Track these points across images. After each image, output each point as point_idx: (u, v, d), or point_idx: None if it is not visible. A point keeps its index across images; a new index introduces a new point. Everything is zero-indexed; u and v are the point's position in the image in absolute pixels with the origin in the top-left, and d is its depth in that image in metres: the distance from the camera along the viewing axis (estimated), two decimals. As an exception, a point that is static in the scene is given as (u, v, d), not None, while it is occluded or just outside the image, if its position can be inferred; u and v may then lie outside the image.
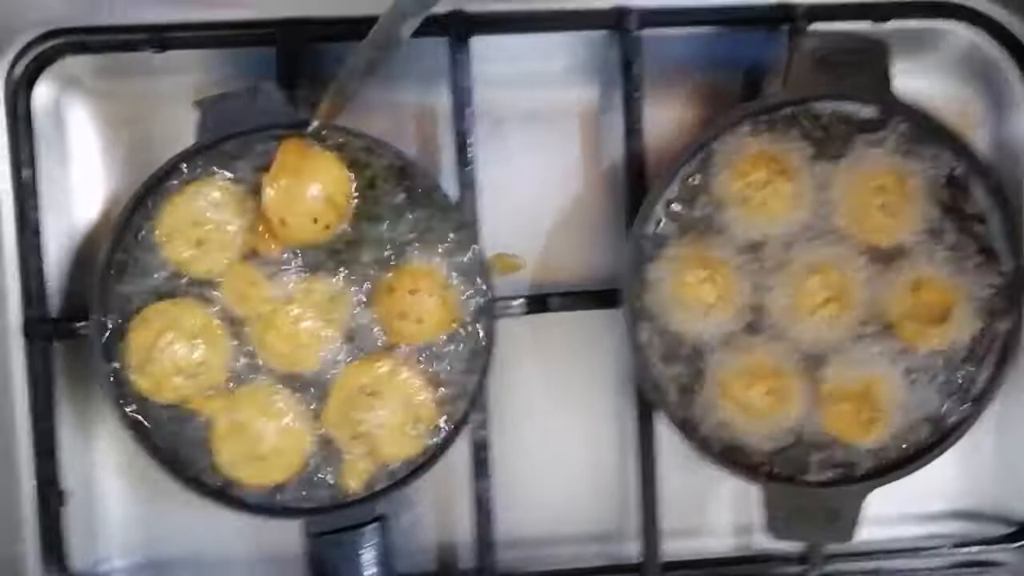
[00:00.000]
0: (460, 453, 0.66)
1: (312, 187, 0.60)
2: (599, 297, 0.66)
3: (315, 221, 0.60)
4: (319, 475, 0.62)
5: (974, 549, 0.70)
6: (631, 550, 0.69)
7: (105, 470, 0.69)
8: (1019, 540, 0.70)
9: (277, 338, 0.61)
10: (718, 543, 0.71)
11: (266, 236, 0.60)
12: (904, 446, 0.63)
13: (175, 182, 0.61)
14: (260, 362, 0.62)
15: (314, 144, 0.61)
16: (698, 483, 0.70)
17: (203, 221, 0.60)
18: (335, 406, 0.62)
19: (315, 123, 0.60)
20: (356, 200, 0.61)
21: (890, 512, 0.70)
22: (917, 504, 0.71)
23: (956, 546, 0.70)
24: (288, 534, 0.66)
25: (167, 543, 0.70)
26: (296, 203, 0.60)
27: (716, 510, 0.71)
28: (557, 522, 0.71)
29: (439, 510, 0.70)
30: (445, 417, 0.62)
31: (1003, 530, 0.71)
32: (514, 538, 0.70)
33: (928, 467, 0.67)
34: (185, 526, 0.70)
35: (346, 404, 0.62)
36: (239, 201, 0.61)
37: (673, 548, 0.69)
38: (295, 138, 0.60)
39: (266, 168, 0.60)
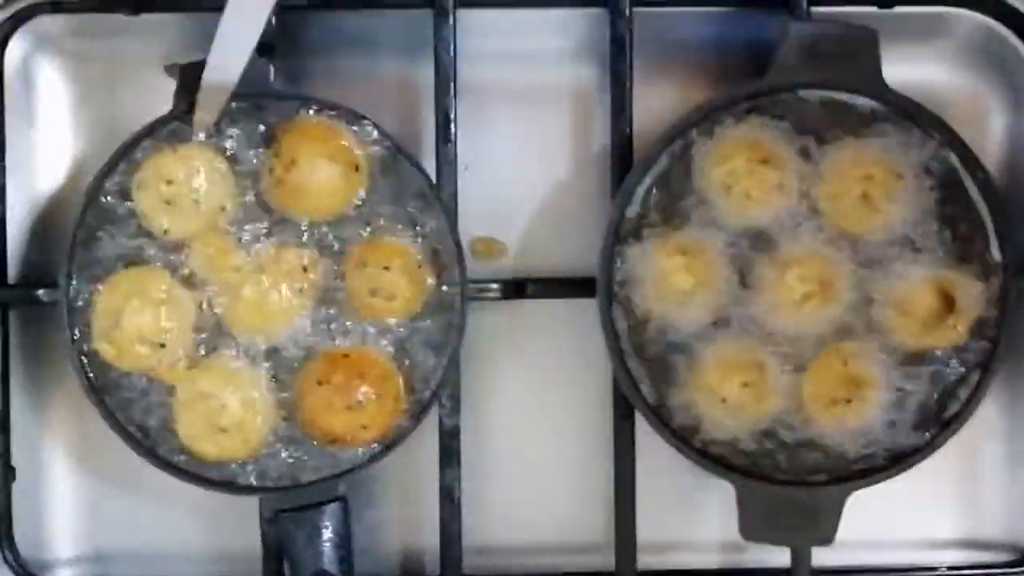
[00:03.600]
0: (427, 450, 0.86)
1: (330, 164, 0.82)
2: (580, 285, 0.86)
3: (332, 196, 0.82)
4: (281, 452, 0.83)
5: (975, 573, 0.90)
6: (610, 560, 0.87)
7: (55, 450, 0.90)
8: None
9: (245, 307, 0.82)
10: (703, 558, 0.91)
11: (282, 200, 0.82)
12: (889, 450, 0.83)
13: (152, 146, 0.82)
14: (226, 332, 0.82)
15: (329, 121, 0.82)
16: (685, 492, 0.90)
17: (178, 183, 0.81)
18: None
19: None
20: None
21: (891, 537, 0.91)
22: (919, 530, 0.91)
23: (953, 569, 0.89)
24: (244, 525, 0.86)
25: (116, 532, 0.90)
26: (316, 178, 0.82)
27: (703, 522, 0.91)
28: (529, 526, 0.90)
29: (405, 511, 0.90)
30: (411, 401, 0.83)
31: (1009, 558, 0.91)
32: (483, 543, 0.89)
33: (932, 492, 0.90)
34: (136, 515, 0.90)
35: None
36: (219, 172, 0.82)
37: (655, 561, 0.89)
38: (314, 116, 0.82)
39: (263, 142, 0.82)
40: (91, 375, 0.83)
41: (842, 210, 0.83)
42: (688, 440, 0.83)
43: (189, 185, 0.82)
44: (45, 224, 0.89)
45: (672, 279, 0.83)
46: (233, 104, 0.82)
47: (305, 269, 0.83)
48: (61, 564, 0.91)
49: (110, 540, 0.91)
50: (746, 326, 0.83)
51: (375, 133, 0.83)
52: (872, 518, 0.88)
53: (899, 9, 0.87)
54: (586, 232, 0.89)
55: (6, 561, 0.87)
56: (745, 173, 0.82)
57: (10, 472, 0.87)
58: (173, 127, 0.83)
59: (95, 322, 0.82)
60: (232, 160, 0.83)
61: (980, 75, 0.90)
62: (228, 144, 0.83)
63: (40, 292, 0.86)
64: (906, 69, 0.86)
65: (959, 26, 0.89)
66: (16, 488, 0.87)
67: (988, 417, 0.90)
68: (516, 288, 0.87)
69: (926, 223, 0.83)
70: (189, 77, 0.82)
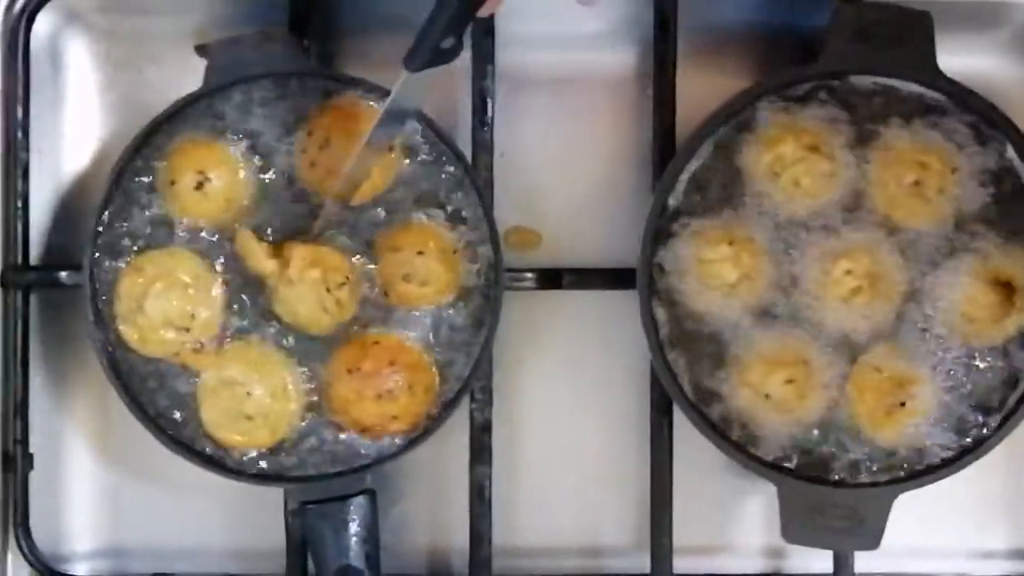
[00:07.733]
0: (458, 444, 0.85)
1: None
2: (617, 276, 0.85)
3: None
4: (308, 442, 0.82)
5: (1028, 584, 0.89)
6: (645, 563, 0.87)
7: (75, 438, 0.90)
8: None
9: (274, 295, 0.81)
10: (742, 562, 0.90)
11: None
12: (941, 448, 0.81)
13: (181, 129, 0.82)
14: (253, 317, 0.82)
15: (364, 102, 0.82)
16: (724, 492, 0.90)
17: (207, 169, 0.81)
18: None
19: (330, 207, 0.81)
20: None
21: (939, 545, 0.90)
22: (967, 538, 0.90)
23: (1009, 578, 0.89)
24: (268, 517, 0.86)
25: (136, 525, 0.90)
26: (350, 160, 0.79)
27: (743, 524, 0.90)
28: (561, 526, 0.90)
29: (433, 508, 0.90)
30: (443, 392, 0.82)
31: (1068, 571, 0.90)
32: (513, 543, 0.89)
33: (981, 500, 0.89)
34: (158, 506, 0.90)
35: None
36: (249, 157, 0.82)
37: (692, 564, 0.88)
38: (349, 96, 0.82)
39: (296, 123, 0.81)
40: (113, 360, 0.82)
41: (893, 200, 0.81)
42: (729, 437, 0.82)
43: (218, 171, 0.82)
44: (70, 204, 0.89)
45: (716, 270, 0.82)
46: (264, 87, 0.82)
47: (346, 279, 0.82)
48: (79, 557, 0.90)
49: (130, 533, 0.90)
50: (792, 320, 0.82)
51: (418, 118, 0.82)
52: (919, 525, 0.88)
53: (953, -5, 0.87)
54: (625, 222, 0.88)
55: (22, 553, 0.87)
56: (793, 160, 0.81)
57: (28, 459, 0.86)
58: (203, 109, 0.82)
59: (118, 305, 0.82)
60: (264, 144, 0.82)
61: (1038, 66, 0.90)
62: (260, 128, 0.82)
63: (63, 274, 0.86)
64: (959, 59, 0.84)
65: (1015, 15, 0.88)
66: (34, 477, 0.87)
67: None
68: (552, 278, 0.87)
69: (979, 215, 0.81)
70: (220, 55, 0.81)
